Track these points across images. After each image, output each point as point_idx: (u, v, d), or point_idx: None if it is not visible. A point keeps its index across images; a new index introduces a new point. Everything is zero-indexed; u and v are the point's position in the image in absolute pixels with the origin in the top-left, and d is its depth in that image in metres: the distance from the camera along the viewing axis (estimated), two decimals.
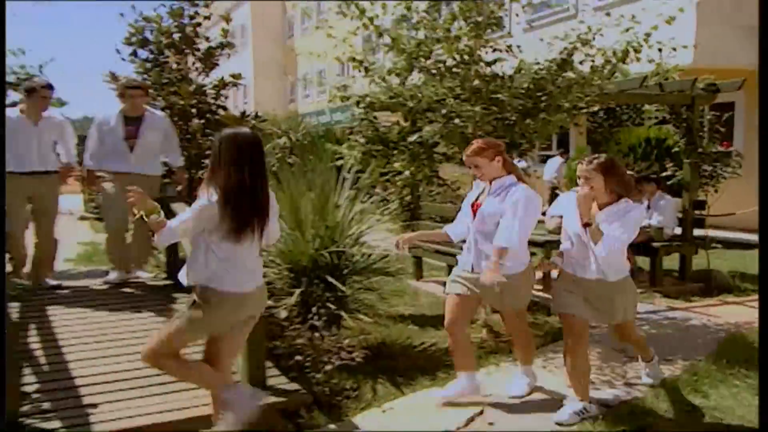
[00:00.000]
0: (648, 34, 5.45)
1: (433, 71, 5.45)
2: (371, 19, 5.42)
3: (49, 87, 5.83)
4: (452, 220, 8.80)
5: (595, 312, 4.16)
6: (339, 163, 5.82)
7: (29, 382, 3.97)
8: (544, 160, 14.87)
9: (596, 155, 4.10)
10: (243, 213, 3.17)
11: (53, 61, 9.09)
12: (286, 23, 34.83)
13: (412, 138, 5.59)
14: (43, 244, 6.05)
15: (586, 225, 3.96)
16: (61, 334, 4.82)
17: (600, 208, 4.01)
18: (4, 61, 1.28)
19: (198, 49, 9.70)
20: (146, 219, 3.17)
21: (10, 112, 5.69)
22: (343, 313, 5.15)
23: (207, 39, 9.71)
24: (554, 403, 4.29)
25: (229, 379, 3.57)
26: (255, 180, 3.21)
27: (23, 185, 5.70)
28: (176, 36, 9.55)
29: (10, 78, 8.37)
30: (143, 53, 9.74)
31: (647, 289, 7.60)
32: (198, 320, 3.27)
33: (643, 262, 8.10)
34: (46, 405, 3.70)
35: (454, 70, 5.48)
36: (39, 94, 5.74)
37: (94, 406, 3.69)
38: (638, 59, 5.46)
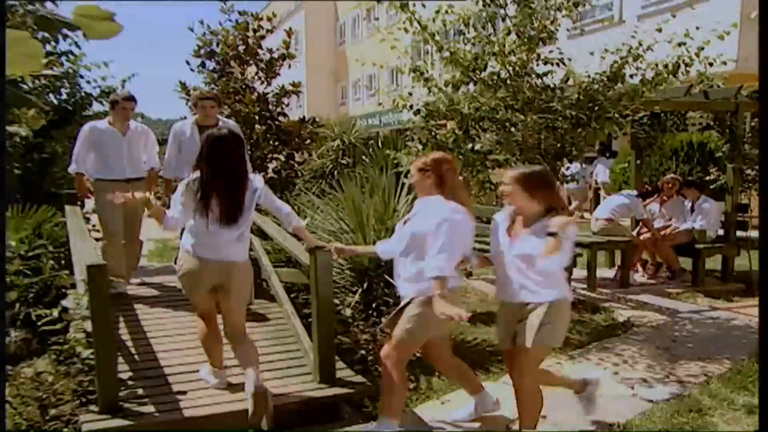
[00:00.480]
0: (701, 48, 5.42)
1: (489, 83, 5.54)
2: (432, 35, 5.52)
3: (132, 99, 6.04)
4: None
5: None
6: (399, 169, 5.95)
7: (123, 370, 4.21)
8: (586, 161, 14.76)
9: (517, 167, 3.77)
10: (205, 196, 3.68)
11: (136, 75, 9.35)
12: (338, 30, 35.14)
13: (468, 146, 5.70)
14: (131, 246, 6.19)
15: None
16: (149, 328, 5.08)
17: (526, 225, 3.50)
18: (4, 60, 1.38)
19: (261, 60, 9.98)
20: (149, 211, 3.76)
21: (100, 124, 5.93)
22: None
23: (270, 51, 9.97)
24: (608, 398, 4.36)
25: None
26: (221, 170, 3.71)
27: (122, 191, 5.72)
28: (241, 48, 9.86)
29: (94, 90, 8.74)
30: (210, 64, 10.09)
31: (689, 289, 7.58)
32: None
33: (686, 263, 8.04)
34: (140, 391, 3.94)
35: (508, 81, 5.56)
36: (120, 106, 5.90)
37: (184, 392, 3.92)
38: (688, 72, 5.44)
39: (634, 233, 8.27)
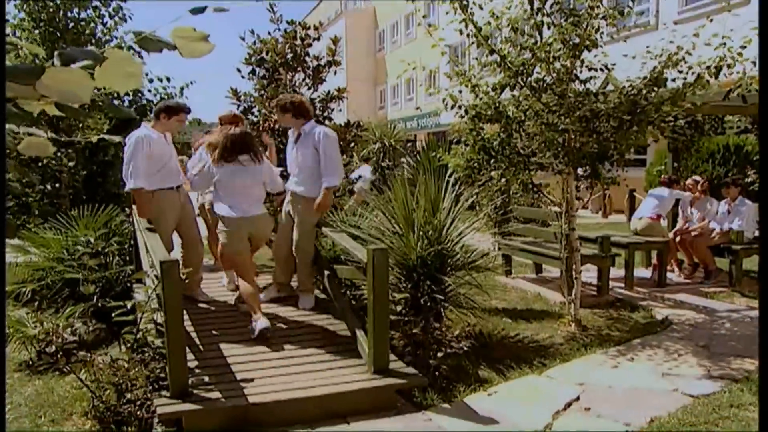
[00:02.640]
0: (743, 47, 5.33)
1: (534, 86, 5.57)
2: (486, 38, 5.55)
3: (189, 111, 5.90)
4: (540, 222, 8.90)
5: None
6: (449, 172, 6.01)
7: (190, 359, 4.37)
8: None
9: None
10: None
11: (194, 83, 9.61)
12: (377, 37, 35.33)
13: (512, 147, 5.75)
14: (193, 250, 5.78)
15: None
16: (212, 321, 5.25)
17: None
18: (4, 61, 1.43)
19: (308, 67, 10.15)
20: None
21: (151, 134, 5.52)
22: (448, 305, 5.38)
23: (316, 58, 10.13)
24: (650, 391, 4.38)
25: None
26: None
27: (175, 199, 5.60)
28: (289, 56, 10.03)
29: (154, 97, 8.98)
30: (260, 71, 10.29)
31: (726, 289, 7.49)
32: None
33: (722, 263, 7.95)
34: (206, 378, 4.09)
35: (553, 86, 5.58)
36: (179, 117, 5.69)
37: (250, 380, 4.05)
38: (731, 74, 5.37)
39: (671, 234, 8.22)
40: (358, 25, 34.70)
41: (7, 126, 1.84)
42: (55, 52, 1.82)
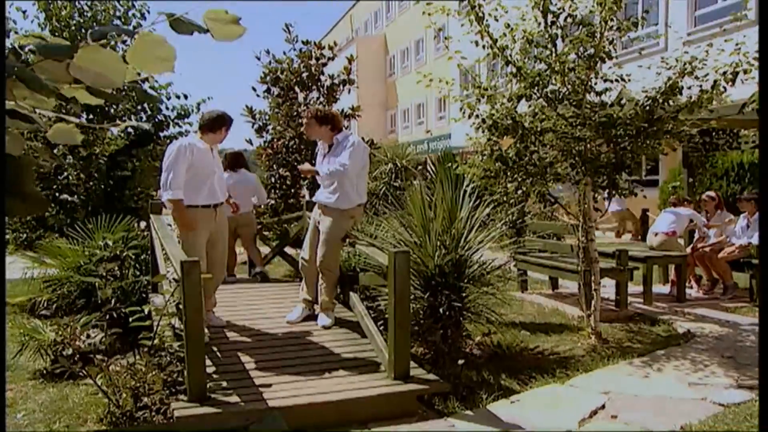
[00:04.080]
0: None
1: (550, 97, 5.50)
2: (501, 49, 5.50)
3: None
4: (554, 236, 8.75)
5: None
6: (465, 184, 5.91)
7: (207, 364, 4.26)
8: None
9: None
10: None
11: (211, 99, 9.60)
12: (388, 63, 35.61)
13: (528, 158, 5.66)
14: (212, 271, 5.09)
15: None
16: (229, 328, 5.15)
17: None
18: (4, 61, 1.38)
19: (322, 86, 10.16)
20: None
21: (197, 143, 5.08)
22: (466, 314, 5.26)
23: (330, 77, 10.15)
24: (679, 400, 4.23)
25: None
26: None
27: (210, 217, 5.12)
28: (304, 75, 10.05)
29: (171, 113, 8.98)
30: (275, 90, 10.31)
31: (747, 304, 7.31)
32: None
33: (743, 278, 7.78)
34: (224, 383, 3.97)
35: (568, 97, 5.51)
36: (226, 128, 5.23)
37: (268, 386, 3.94)
38: (747, 79, 5.26)
39: (688, 249, 8.07)
40: (369, 50, 34.98)
41: (38, 110, 1.78)
42: (88, 32, 1.76)
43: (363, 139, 10.21)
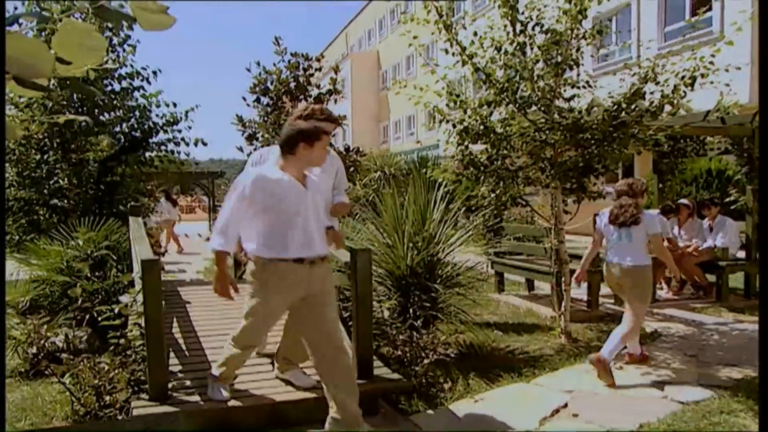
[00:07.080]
0: (713, 55, 5.12)
1: (520, 103, 5.34)
2: (470, 56, 5.35)
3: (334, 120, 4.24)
4: (534, 239, 8.55)
5: None
6: (440, 187, 5.74)
7: (174, 363, 4.07)
8: None
9: None
10: None
11: (199, 107, 9.38)
12: (380, 77, 35.56)
13: (500, 163, 5.50)
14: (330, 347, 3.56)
15: None
16: (199, 326, 4.95)
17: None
18: (4, 61, 1.27)
19: (310, 95, 9.99)
20: None
21: (270, 173, 3.35)
22: (437, 314, 5.07)
23: (318, 86, 9.99)
24: (639, 399, 4.04)
25: None
26: None
27: (302, 277, 3.62)
28: (292, 85, 9.89)
29: (160, 120, 8.79)
30: (264, 100, 10.14)
31: (714, 304, 7.14)
32: None
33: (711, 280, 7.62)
34: (188, 382, 3.78)
35: (536, 103, 5.35)
36: (321, 134, 4.16)
37: (231, 385, 3.73)
38: (707, 84, 5.13)
39: None
40: (363, 66, 34.97)
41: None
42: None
43: (348, 147, 10.10)
